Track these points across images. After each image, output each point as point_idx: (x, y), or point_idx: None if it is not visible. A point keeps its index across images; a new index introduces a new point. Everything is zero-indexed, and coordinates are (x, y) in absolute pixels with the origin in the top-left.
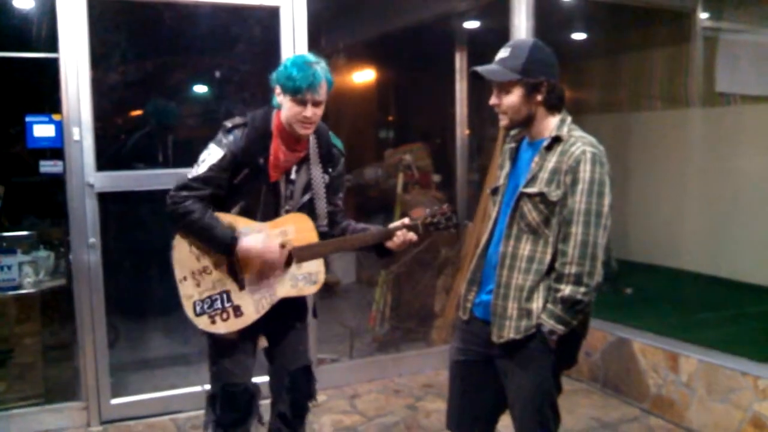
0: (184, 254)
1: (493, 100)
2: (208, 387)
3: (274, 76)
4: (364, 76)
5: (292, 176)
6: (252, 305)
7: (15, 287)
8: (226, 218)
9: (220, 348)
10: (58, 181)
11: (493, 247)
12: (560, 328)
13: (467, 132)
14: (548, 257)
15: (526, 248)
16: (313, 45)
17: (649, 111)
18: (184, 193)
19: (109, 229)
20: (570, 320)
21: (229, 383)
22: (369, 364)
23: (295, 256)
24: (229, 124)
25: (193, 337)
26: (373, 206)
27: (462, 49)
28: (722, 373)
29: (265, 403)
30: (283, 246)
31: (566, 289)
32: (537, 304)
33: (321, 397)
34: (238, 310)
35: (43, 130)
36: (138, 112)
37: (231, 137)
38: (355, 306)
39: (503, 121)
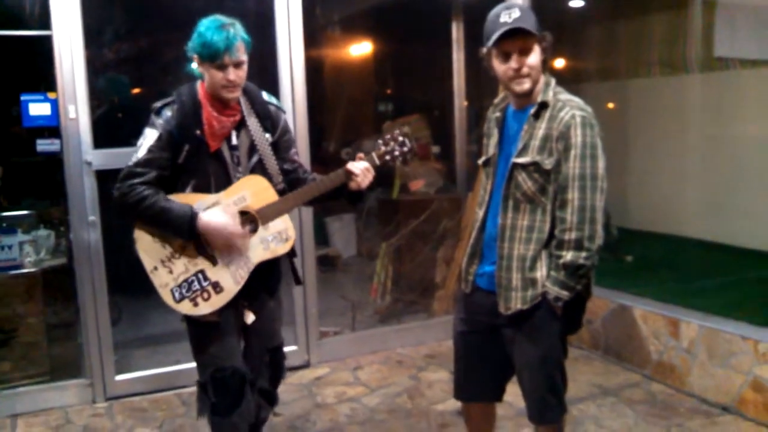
0: (148, 244)
1: (512, 65)
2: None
3: (189, 45)
4: (361, 48)
5: (234, 142)
6: (230, 278)
7: (16, 267)
8: (180, 198)
9: (202, 335)
10: (55, 160)
11: (490, 219)
12: (565, 294)
13: (465, 103)
14: (547, 225)
15: (524, 218)
16: (308, 17)
17: (647, 77)
18: (130, 182)
19: (109, 207)
20: (574, 285)
21: (217, 369)
22: (371, 336)
23: (259, 218)
24: (158, 104)
25: None
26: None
27: (458, 19)
28: (722, 338)
29: None
30: (243, 213)
31: (568, 255)
32: (541, 272)
33: (324, 370)
34: (217, 287)
35: (38, 108)
36: (136, 90)
37: (162, 117)
38: (357, 279)
39: (526, 84)
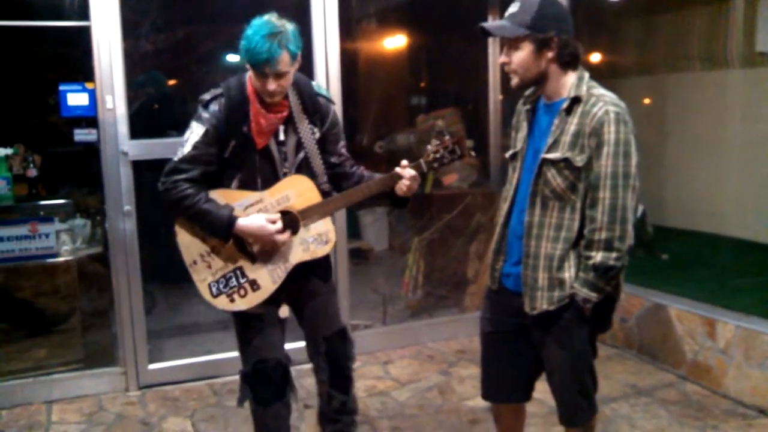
0: (188, 238)
1: (502, 59)
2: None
3: (240, 43)
4: (395, 41)
5: (281, 137)
6: (268, 276)
7: (53, 255)
8: (224, 195)
9: (247, 326)
10: (92, 150)
11: (516, 215)
12: (594, 296)
13: (500, 97)
14: (576, 224)
15: (553, 216)
16: (344, 10)
17: (687, 72)
18: (175, 177)
19: (144, 197)
20: (603, 287)
21: (260, 360)
22: (402, 331)
23: (300, 219)
24: (206, 96)
25: None
26: None
27: (495, 11)
28: (760, 339)
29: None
30: (285, 212)
31: (598, 256)
32: (569, 273)
33: (355, 363)
34: (254, 284)
35: (76, 98)
36: (172, 81)
37: (209, 111)
38: (388, 273)
39: (513, 80)
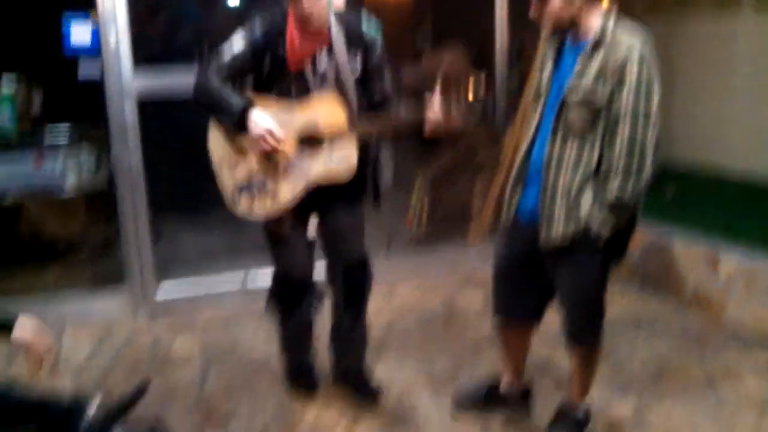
0: (219, 143)
1: (532, 13)
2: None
3: None
4: None
5: (319, 66)
6: (289, 189)
7: (59, 188)
8: (258, 99)
9: (274, 243)
10: (97, 85)
11: (536, 150)
12: (608, 229)
13: (507, 36)
14: (595, 159)
15: (572, 151)
16: None
17: (698, 14)
18: (208, 75)
19: (150, 130)
20: (618, 220)
21: (285, 274)
22: (406, 263)
23: (326, 139)
24: (252, 12)
25: (237, 227)
26: None
27: None
28: (762, 274)
29: None
30: (309, 135)
31: (614, 187)
32: (585, 205)
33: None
34: (274, 194)
35: (80, 31)
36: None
37: (252, 26)
38: (392, 210)
39: (546, 30)
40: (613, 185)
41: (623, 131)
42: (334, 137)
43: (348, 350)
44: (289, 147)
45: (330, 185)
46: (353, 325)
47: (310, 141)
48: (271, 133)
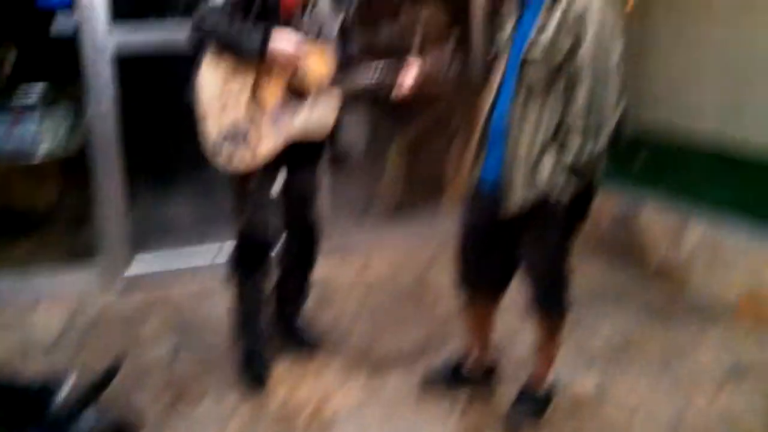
0: (212, 83)
1: None
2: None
3: None
4: None
5: (310, 17)
6: (270, 141)
7: (31, 153)
8: None
9: (246, 194)
10: (71, 42)
11: (497, 113)
12: (568, 192)
13: None
14: (555, 121)
15: (533, 113)
16: None
17: None
18: (201, 14)
19: (127, 90)
20: (578, 183)
21: (251, 230)
22: (379, 233)
23: (309, 94)
24: None
25: (212, 200)
26: None
27: None
28: (726, 244)
29: None
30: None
31: (572, 148)
32: (545, 170)
33: (330, 263)
34: (255, 147)
35: None
36: None
37: None
38: (366, 177)
39: None
40: (572, 146)
41: (581, 89)
42: (319, 92)
43: (290, 304)
44: (277, 91)
45: (303, 143)
46: (301, 285)
47: (296, 93)
48: (301, 45)
